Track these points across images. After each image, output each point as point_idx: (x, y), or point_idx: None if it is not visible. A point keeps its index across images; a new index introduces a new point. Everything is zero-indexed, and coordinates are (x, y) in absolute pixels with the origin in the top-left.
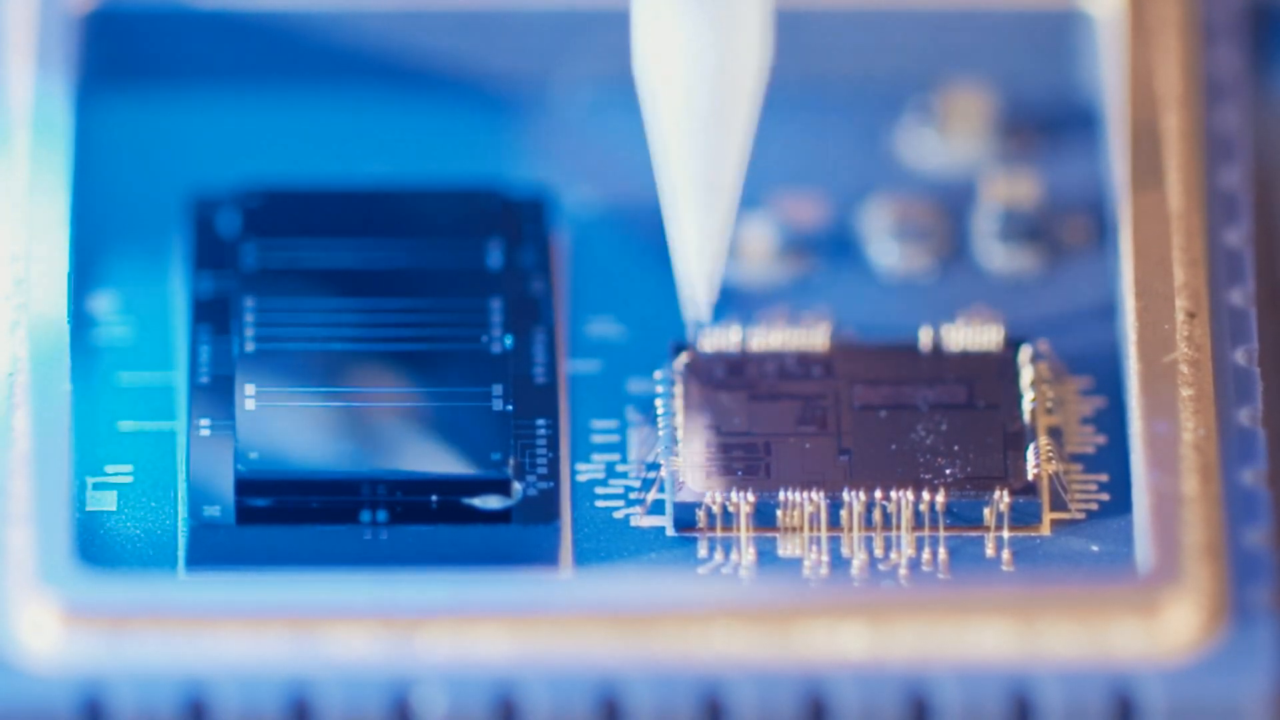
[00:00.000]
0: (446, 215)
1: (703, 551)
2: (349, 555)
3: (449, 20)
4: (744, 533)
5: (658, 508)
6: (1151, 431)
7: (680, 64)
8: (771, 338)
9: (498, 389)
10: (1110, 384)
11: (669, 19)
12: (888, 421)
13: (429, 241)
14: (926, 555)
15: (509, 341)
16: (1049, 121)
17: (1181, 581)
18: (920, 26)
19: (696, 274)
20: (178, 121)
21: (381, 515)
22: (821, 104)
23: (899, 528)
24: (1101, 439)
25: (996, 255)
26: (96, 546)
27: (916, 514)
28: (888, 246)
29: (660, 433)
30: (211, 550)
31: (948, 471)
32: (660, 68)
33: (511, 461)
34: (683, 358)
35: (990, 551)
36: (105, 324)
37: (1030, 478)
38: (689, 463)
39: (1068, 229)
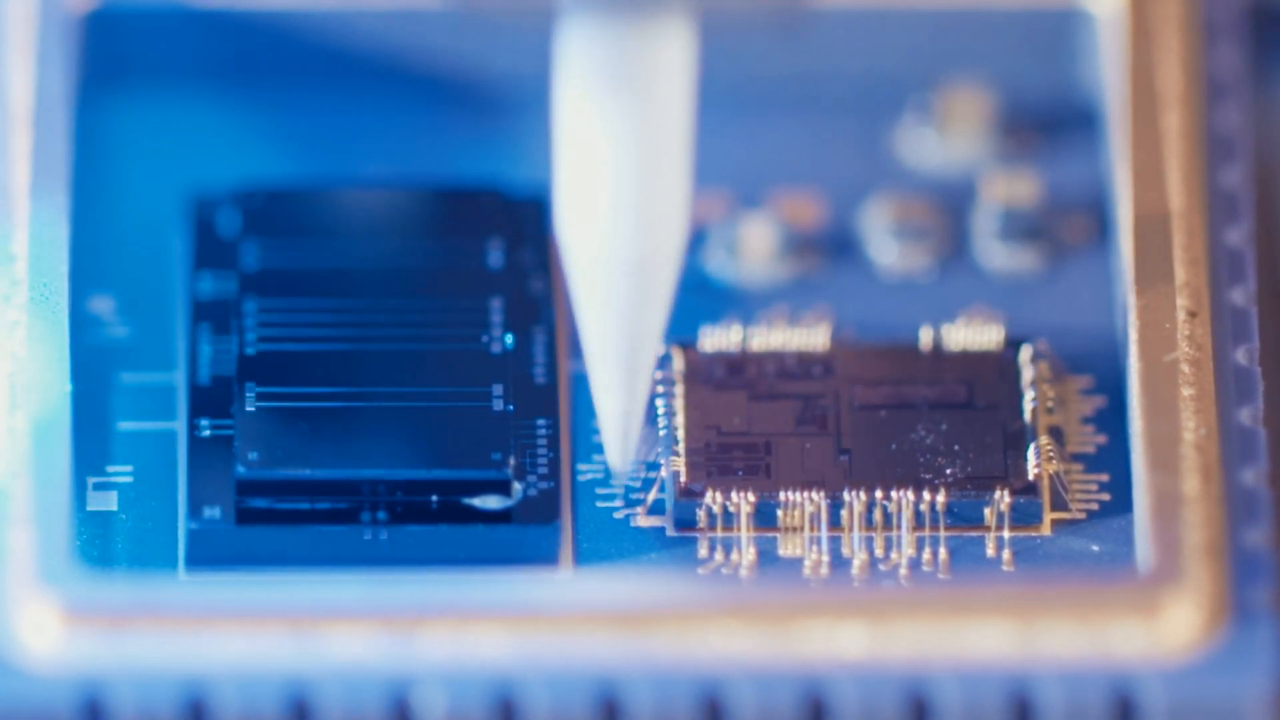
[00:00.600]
0: (446, 215)
1: (703, 551)
2: (349, 555)
3: (449, 20)
4: (744, 533)
5: (658, 508)
6: (1152, 431)
7: (600, 254)
8: (771, 338)
9: (498, 389)
10: (1111, 384)
11: (591, 210)
12: (888, 421)
13: (429, 241)
14: (927, 555)
15: (509, 341)
16: (1049, 121)
17: (1182, 581)
18: (920, 26)
19: (613, 449)
20: (178, 121)
21: (381, 515)
22: (821, 104)
23: (899, 528)
24: (1102, 439)
25: (996, 255)
26: (96, 546)
27: (917, 514)
28: (888, 246)
29: (660, 433)
30: (211, 550)
31: (948, 471)
32: (580, 257)
33: (512, 461)
34: (683, 357)
35: (991, 551)
36: (105, 324)
37: (1031, 477)
38: (689, 462)
39: (1068, 229)
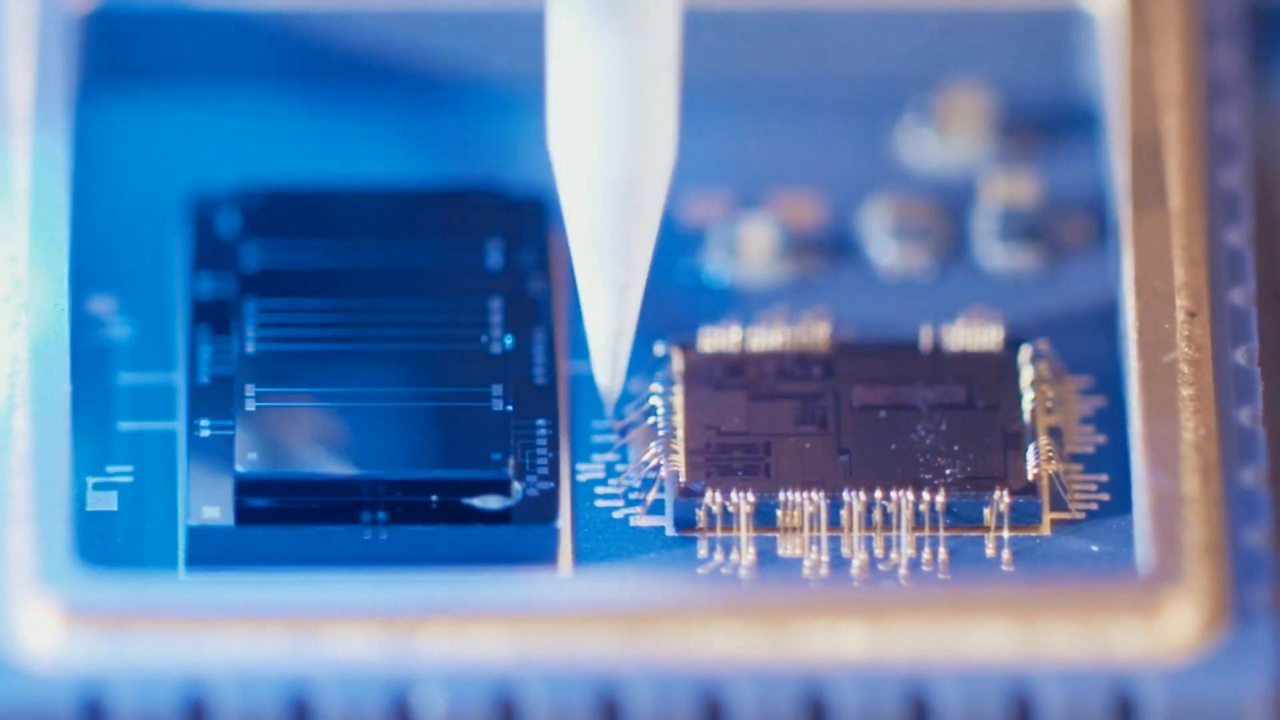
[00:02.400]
0: (446, 215)
1: (703, 551)
2: (349, 555)
3: (449, 20)
4: (744, 533)
5: (658, 508)
6: (1152, 431)
7: (592, 172)
8: (771, 338)
9: (498, 389)
10: (1110, 384)
11: (582, 127)
12: (888, 421)
13: (429, 241)
14: (926, 555)
15: (509, 341)
16: (1049, 121)
17: (1181, 581)
18: (920, 26)
19: (602, 368)
20: (178, 121)
21: (381, 515)
22: (821, 104)
23: (899, 528)
24: (1101, 439)
25: (996, 255)
26: (96, 546)
27: (916, 514)
28: (888, 246)
29: (660, 433)
30: (211, 550)
31: (948, 471)
32: (571, 174)
33: (511, 461)
34: (682, 358)
35: (990, 551)
36: (105, 324)
37: (1030, 478)
38: (689, 462)
39: (1068, 229)
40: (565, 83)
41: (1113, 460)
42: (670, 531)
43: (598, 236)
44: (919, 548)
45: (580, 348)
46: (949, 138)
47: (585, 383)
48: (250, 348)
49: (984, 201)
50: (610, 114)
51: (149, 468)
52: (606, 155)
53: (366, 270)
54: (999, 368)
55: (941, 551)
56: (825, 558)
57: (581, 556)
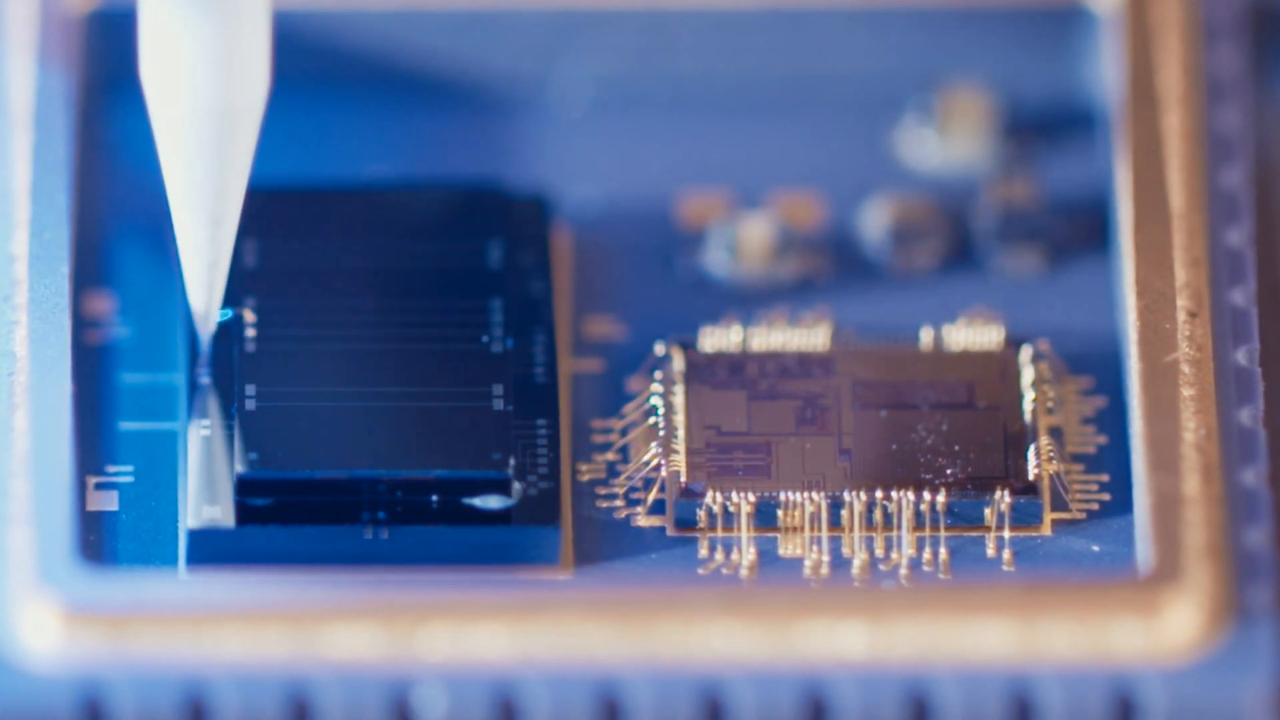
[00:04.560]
0: (446, 215)
1: (703, 551)
2: (349, 555)
3: (449, 20)
4: (744, 533)
5: (658, 508)
6: (1152, 431)
7: (185, 104)
8: (771, 338)
9: (498, 389)
10: (1111, 384)
11: (173, 57)
12: (888, 421)
13: (429, 241)
14: (927, 555)
15: (509, 341)
16: (1049, 121)
17: (1182, 581)
18: (920, 26)
19: (198, 301)
20: None
21: (381, 515)
22: (821, 104)
23: (899, 528)
24: (1102, 439)
25: (997, 255)
26: (96, 546)
27: (917, 514)
28: (888, 246)
29: (660, 433)
30: (211, 550)
31: (948, 471)
32: (164, 106)
33: (512, 461)
34: (683, 357)
35: (991, 551)
36: (105, 324)
37: (1031, 478)
38: (689, 462)
39: (1068, 229)
40: (156, 11)
41: (1113, 460)
42: (670, 531)
43: (191, 169)
44: (919, 548)
45: (580, 347)
46: (949, 138)
47: (585, 383)
48: (250, 347)
49: (984, 202)
50: (202, 44)
51: (149, 468)
52: (199, 86)
53: (366, 270)
54: (1000, 368)
55: (942, 551)
56: (826, 558)
57: (581, 556)
